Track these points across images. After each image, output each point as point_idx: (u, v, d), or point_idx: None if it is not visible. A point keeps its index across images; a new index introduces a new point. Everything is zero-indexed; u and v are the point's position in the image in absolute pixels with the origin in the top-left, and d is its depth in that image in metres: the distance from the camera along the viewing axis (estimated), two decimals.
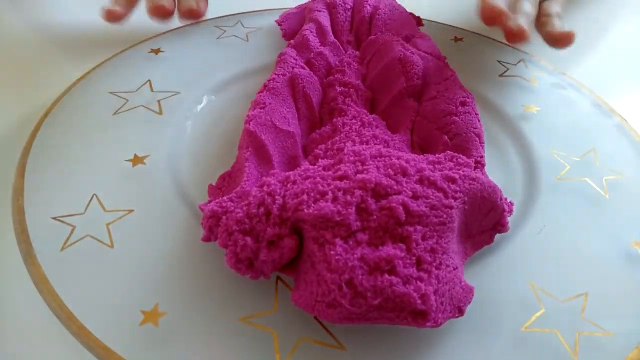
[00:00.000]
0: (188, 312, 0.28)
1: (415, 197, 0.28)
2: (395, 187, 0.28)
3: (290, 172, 0.30)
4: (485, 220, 0.31)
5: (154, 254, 0.30)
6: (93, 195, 0.33)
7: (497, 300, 0.30)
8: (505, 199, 0.33)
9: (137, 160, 0.35)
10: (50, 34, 0.49)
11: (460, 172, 0.30)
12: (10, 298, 0.30)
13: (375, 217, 0.27)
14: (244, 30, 0.49)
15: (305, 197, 0.28)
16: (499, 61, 0.47)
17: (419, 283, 0.26)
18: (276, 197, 0.28)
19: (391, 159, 0.30)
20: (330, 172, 0.29)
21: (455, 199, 0.28)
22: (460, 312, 0.27)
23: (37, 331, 0.29)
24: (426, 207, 0.28)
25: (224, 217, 0.28)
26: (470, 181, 0.29)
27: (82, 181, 0.34)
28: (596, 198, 0.36)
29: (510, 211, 0.33)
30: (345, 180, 0.29)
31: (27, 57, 0.46)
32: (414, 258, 0.26)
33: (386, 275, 0.25)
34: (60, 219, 0.32)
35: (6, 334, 0.29)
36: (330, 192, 0.28)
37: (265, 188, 0.29)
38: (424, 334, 0.28)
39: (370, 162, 0.30)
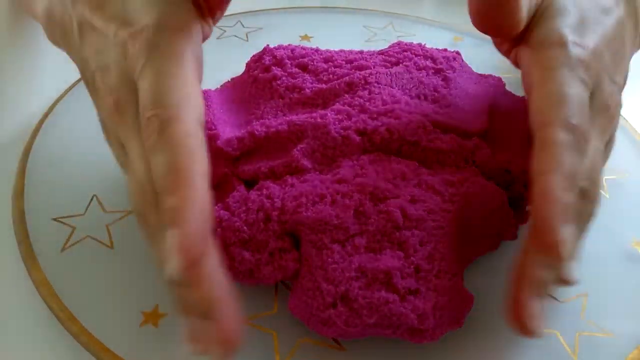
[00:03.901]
0: None
1: (413, 201, 0.28)
2: (393, 190, 0.28)
3: (288, 176, 0.30)
4: (489, 225, 0.30)
5: (154, 255, 0.30)
6: (93, 196, 0.33)
7: (498, 301, 0.30)
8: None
9: None
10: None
11: (459, 175, 0.29)
12: (11, 299, 0.30)
13: (373, 220, 0.27)
14: (243, 30, 0.49)
15: (304, 199, 0.28)
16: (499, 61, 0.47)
17: (416, 301, 0.25)
18: (275, 199, 0.28)
19: (390, 163, 0.30)
20: (329, 176, 0.29)
21: (453, 202, 0.28)
22: (459, 323, 0.27)
23: (37, 332, 0.29)
24: (424, 211, 0.28)
25: (219, 229, 0.28)
26: (469, 185, 0.29)
27: (82, 182, 0.34)
28: None
29: (524, 220, 0.32)
30: (343, 184, 0.28)
31: (28, 56, 0.46)
32: (412, 267, 0.26)
33: (383, 292, 0.25)
34: (60, 220, 0.32)
35: (6, 335, 0.29)
36: (329, 195, 0.28)
37: (264, 191, 0.29)
38: None
39: (369, 166, 0.30)
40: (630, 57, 0.31)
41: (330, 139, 0.30)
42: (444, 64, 0.36)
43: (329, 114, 0.31)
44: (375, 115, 0.31)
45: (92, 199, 0.33)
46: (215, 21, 0.31)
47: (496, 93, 0.36)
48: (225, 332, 0.22)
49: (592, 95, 0.27)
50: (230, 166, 0.31)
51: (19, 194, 0.33)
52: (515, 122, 0.33)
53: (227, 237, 0.27)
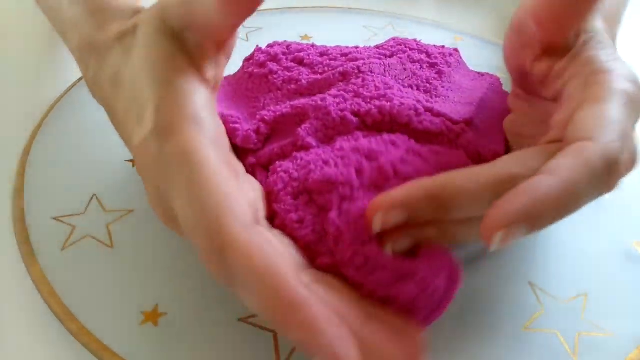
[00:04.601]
0: (188, 313, 0.28)
1: (403, 161, 0.28)
2: (385, 153, 0.28)
3: (296, 152, 0.30)
4: None
5: (154, 254, 0.31)
6: (93, 196, 0.33)
7: (497, 301, 0.30)
8: None
9: None
10: (52, 32, 0.49)
11: (442, 148, 0.30)
12: (10, 298, 0.30)
13: (367, 175, 0.27)
14: (244, 30, 0.49)
15: (312, 166, 0.28)
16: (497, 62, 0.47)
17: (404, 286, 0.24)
18: (292, 172, 0.28)
19: (382, 136, 0.30)
20: (329, 148, 0.30)
21: (438, 170, 0.28)
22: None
23: (37, 331, 0.29)
24: (413, 171, 0.28)
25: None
26: (451, 157, 0.29)
27: (82, 181, 0.34)
28: None
29: None
30: (342, 151, 0.29)
31: (28, 56, 0.46)
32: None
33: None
34: (60, 219, 0.32)
35: (6, 334, 0.29)
36: (331, 160, 0.28)
37: (278, 169, 0.29)
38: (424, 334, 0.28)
39: (363, 139, 0.30)
40: None
41: (331, 120, 0.31)
42: (438, 59, 0.36)
43: (328, 97, 0.32)
44: (368, 100, 0.32)
45: (92, 199, 0.33)
46: (227, 54, 0.28)
47: (491, 91, 0.36)
48: None
49: None
50: (255, 155, 0.31)
51: (19, 193, 0.33)
52: (500, 123, 0.33)
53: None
